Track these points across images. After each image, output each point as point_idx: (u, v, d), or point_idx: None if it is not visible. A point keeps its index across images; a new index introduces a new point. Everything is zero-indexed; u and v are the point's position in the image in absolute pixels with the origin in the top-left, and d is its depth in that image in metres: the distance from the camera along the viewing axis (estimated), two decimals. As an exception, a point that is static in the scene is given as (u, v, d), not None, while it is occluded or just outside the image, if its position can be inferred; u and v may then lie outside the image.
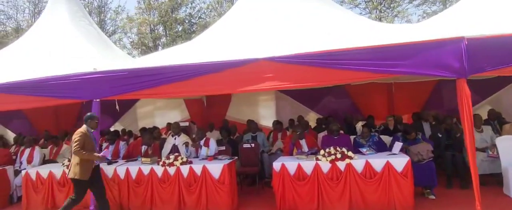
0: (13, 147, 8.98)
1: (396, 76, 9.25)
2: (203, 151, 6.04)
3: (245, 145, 6.54)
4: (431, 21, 7.42)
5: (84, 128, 4.81)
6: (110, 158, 6.50)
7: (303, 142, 5.84)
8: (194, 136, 6.75)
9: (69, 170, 4.75)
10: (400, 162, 4.71)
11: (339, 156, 4.81)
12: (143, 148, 6.47)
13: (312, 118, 9.69)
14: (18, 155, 7.24)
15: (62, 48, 7.20)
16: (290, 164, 5.02)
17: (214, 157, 5.70)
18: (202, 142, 6.24)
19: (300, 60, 4.67)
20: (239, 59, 4.93)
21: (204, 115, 10.37)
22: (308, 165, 4.96)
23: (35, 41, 7.61)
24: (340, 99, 9.83)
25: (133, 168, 5.50)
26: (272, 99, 10.20)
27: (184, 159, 5.37)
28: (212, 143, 6.19)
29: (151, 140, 6.56)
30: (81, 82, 5.37)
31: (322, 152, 4.94)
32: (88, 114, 4.97)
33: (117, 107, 5.83)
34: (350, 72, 4.46)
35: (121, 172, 5.53)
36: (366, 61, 4.35)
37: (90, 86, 5.38)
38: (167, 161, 5.33)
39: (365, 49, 4.33)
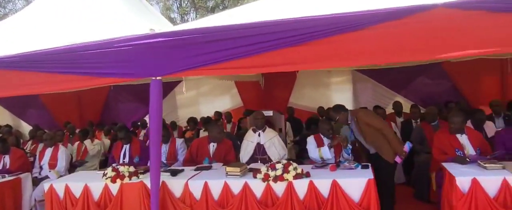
0: (29, 143, 7.18)
1: None
2: (345, 153, 4.06)
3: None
4: None
5: None
6: (165, 162, 4.62)
7: (464, 139, 3.82)
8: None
9: None
10: None
11: None
12: (212, 147, 4.54)
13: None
14: (37, 156, 5.38)
15: (88, 10, 5.22)
16: (485, 179, 3.02)
17: (337, 165, 3.72)
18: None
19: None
20: (398, 7, 2.90)
21: (261, 101, 8.37)
22: (519, 182, 2.96)
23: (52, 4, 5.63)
24: (435, 81, 7.73)
25: (215, 183, 3.56)
26: (348, 81, 8.18)
27: (299, 170, 3.40)
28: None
29: (222, 135, 4.62)
30: (134, 51, 3.37)
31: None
32: None
33: (184, 89, 3.92)
34: None
35: (196, 188, 3.59)
36: None
37: (147, 58, 3.38)
38: (271, 173, 3.37)
39: None
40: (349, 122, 4.11)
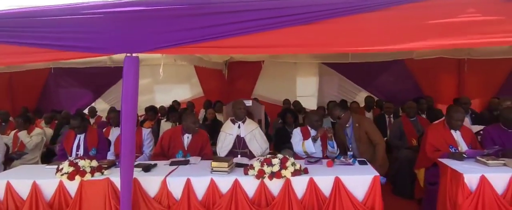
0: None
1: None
2: (330, 146, 3.80)
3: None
4: None
5: None
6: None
7: (458, 135, 3.73)
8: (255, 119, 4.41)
9: None
10: None
11: None
12: (186, 138, 4.03)
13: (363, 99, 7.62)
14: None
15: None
16: (493, 176, 2.90)
17: (333, 160, 3.42)
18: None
19: None
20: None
21: (224, 92, 7.90)
22: (525, 179, 2.88)
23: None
24: (399, 77, 7.86)
25: (199, 180, 3.07)
26: (315, 74, 8.01)
27: (297, 166, 3.04)
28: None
29: (197, 125, 4.12)
30: (106, 21, 2.77)
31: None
32: None
33: (161, 70, 3.37)
34: None
35: (176, 186, 3.08)
36: None
37: (122, 30, 2.81)
38: (267, 169, 2.97)
39: None
40: (347, 125, 3.92)
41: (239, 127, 4.12)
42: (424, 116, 5.66)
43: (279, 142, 4.84)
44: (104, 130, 5.04)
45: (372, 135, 4.06)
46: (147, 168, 3.31)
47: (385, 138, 5.05)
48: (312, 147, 3.90)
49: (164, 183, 3.09)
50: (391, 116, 5.68)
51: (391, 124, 5.46)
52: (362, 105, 6.89)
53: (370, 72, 7.64)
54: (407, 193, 4.32)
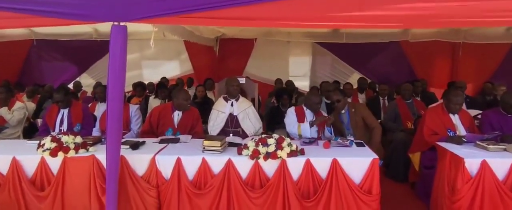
0: None
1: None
2: (328, 132, 3.75)
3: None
4: None
5: None
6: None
7: (456, 119, 3.64)
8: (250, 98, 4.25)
9: None
10: None
11: None
12: (176, 115, 3.85)
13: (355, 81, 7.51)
14: None
15: None
16: (494, 161, 2.82)
17: (330, 141, 3.29)
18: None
19: None
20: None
21: (214, 69, 7.68)
22: (527, 165, 2.81)
23: None
24: (393, 60, 7.74)
25: (190, 160, 2.92)
26: (308, 53, 7.82)
27: (293, 146, 2.91)
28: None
29: (189, 102, 3.93)
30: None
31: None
32: None
33: (151, 42, 3.17)
34: None
35: (166, 166, 2.93)
36: None
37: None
38: (262, 149, 2.83)
39: None
40: (343, 111, 3.84)
41: (232, 105, 3.96)
42: (418, 99, 5.58)
43: (271, 122, 4.71)
44: (89, 105, 4.83)
45: (369, 119, 4.06)
46: (135, 146, 3.14)
47: (379, 120, 4.97)
48: (307, 132, 3.80)
49: (153, 161, 2.94)
50: (386, 98, 5.59)
51: (386, 106, 5.37)
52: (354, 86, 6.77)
53: (364, 54, 7.49)
54: (401, 176, 4.26)
